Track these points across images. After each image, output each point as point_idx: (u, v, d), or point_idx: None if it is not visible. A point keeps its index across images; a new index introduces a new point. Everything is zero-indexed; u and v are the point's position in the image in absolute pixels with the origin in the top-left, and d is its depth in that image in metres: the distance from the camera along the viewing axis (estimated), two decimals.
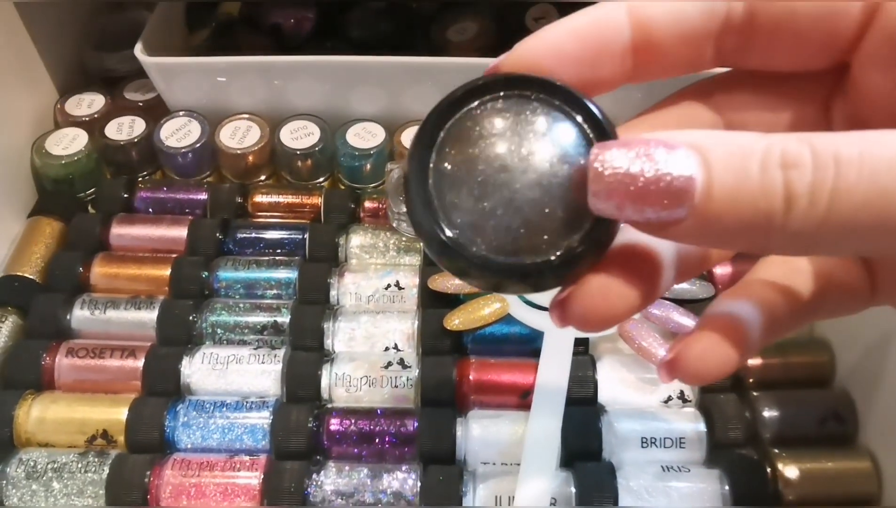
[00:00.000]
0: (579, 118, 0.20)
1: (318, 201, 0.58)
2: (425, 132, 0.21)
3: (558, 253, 0.20)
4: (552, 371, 0.46)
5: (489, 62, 0.62)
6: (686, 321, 0.47)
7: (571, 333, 0.47)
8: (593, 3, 0.22)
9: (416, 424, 0.45)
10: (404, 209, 0.45)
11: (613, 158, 0.18)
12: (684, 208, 0.18)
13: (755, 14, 0.22)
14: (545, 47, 0.21)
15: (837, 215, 0.17)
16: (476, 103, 0.21)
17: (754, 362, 0.48)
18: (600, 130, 0.20)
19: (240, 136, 0.60)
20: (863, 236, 0.18)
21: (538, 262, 0.20)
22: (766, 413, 0.46)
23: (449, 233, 0.20)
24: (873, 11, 0.21)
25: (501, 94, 0.21)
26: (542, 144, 0.20)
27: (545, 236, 0.20)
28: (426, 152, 0.20)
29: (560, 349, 0.47)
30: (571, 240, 0.20)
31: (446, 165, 0.20)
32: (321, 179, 0.61)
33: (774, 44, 0.22)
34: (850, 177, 0.17)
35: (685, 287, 0.50)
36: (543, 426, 0.44)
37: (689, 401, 0.47)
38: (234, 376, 0.47)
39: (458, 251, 0.20)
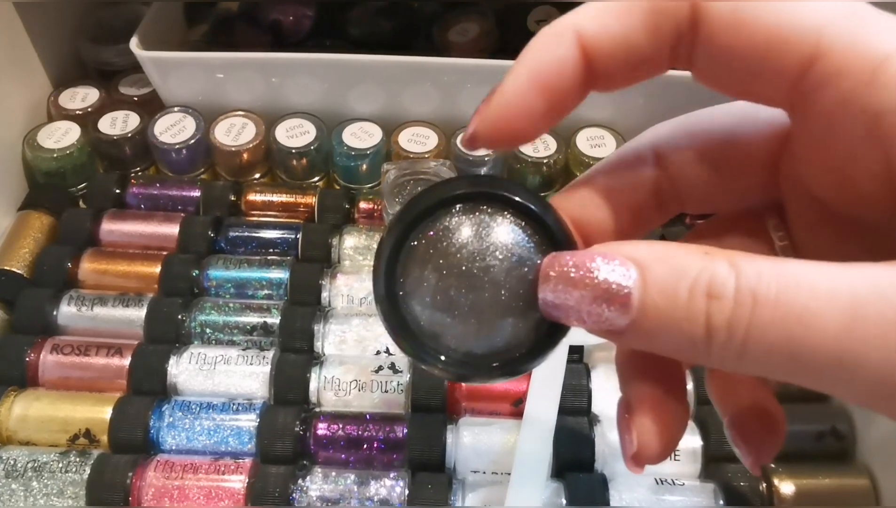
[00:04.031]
0: (537, 229, 0.21)
1: (312, 200, 0.57)
2: (387, 252, 0.22)
3: (516, 352, 0.22)
4: (546, 380, 0.45)
5: (489, 64, 0.61)
6: None
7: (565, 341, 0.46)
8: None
9: (405, 430, 0.44)
10: None
11: (561, 268, 0.20)
12: (623, 319, 0.19)
13: (698, 45, 0.21)
14: (513, 111, 0.21)
15: (753, 351, 0.18)
16: (443, 212, 0.22)
17: None
18: (556, 242, 0.21)
19: (235, 133, 0.59)
20: (779, 372, 0.18)
21: (501, 361, 0.22)
22: None
23: (420, 341, 0.22)
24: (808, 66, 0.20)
25: (460, 207, 0.22)
26: (499, 255, 0.21)
27: (506, 338, 0.22)
28: (392, 266, 0.22)
29: (554, 356, 0.46)
30: (528, 339, 0.22)
31: (414, 275, 0.22)
32: (316, 179, 0.60)
33: (717, 68, 0.21)
34: (765, 317, 0.17)
35: None
36: (535, 434, 0.43)
37: None
38: (222, 377, 0.47)
39: (426, 355, 0.22)
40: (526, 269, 0.21)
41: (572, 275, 0.19)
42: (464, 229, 0.21)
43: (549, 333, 0.22)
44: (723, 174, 0.24)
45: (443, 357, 0.22)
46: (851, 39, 0.19)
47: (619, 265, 0.19)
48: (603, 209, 0.24)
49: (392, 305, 0.22)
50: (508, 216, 0.21)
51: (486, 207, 0.21)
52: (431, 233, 0.21)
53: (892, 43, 0.18)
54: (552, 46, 0.21)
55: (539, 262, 0.21)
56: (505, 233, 0.21)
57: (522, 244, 0.21)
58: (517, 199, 0.21)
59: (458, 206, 0.21)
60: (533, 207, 0.21)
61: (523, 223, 0.21)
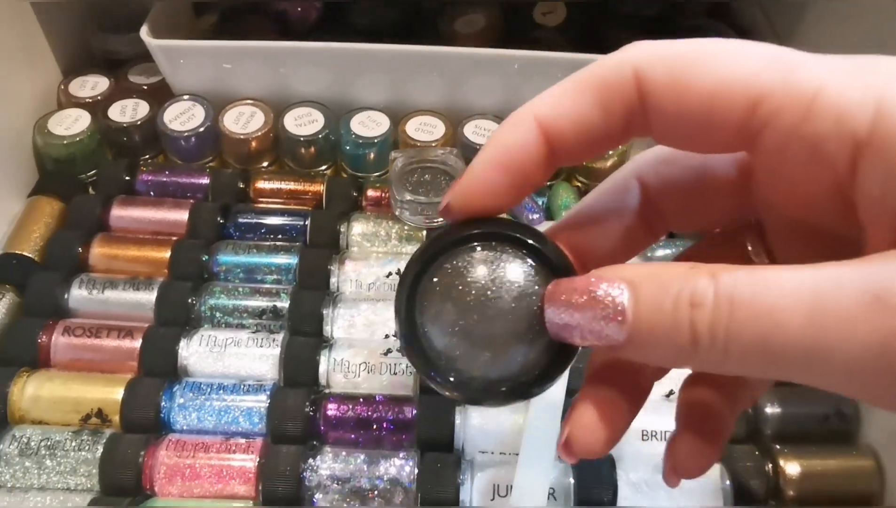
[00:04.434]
0: (541, 262, 0.24)
1: (320, 188, 0.58)
2: (405, 290, 0.24)
3: (527, 376, 0.23)
4: None
5: (495, 53, 0.61)
6: None
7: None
8: None
9: (414, 411, 0.45)
10: (408, 198, 0.46)
11: (563, 293, 0.22)
12: (621, 334, 0.21)
13: (649, 114, 0.23)
14: (479, 188, 0.24)
15: (734, 351, 0.19)
16: (455, 252, 0.24)
17: None
18: (556, 270, 0.23)
19: (244, 121, 0.59)
20: (759, 368, 0.19)
21: (514, 384, 0.24)
22: (769, 409, 0.46)
23: (436, 365, 0.24)
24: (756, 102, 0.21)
25: (470, 246, 0.24)
26: (508, 287, 0.23)
27: (518, 362, 0.23)
28: (411, 303, 0.24)
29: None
30: (539, 362, 0.23)
31: (431, 307, 0.24)
32: (324, 167, 0.61)
33: (671, 131, 0.23)
34: (741, 319, 0.19)
35: (671, 251, 0.52)
36: (543, 415, 0.43)
37: None
38: (232, 359, 0.47)
39: (444, 381, 0.24)
40: (532, 298, 0.23)
41: (574, 298, 0.21)
42: (473, 266, 0.24)
43: (558, 356, 0.23)
44: (699, 199, 0.26)
45: (460, 383, 0.24)
46: (784, 81, 0.21)
47: (613, 286, 0.21)
48: (596, 235, 0.26)
49: (413, 337, 0.24)
50: (512, 251, 0.24)
51: (493, 245, 0.24)
52: (444, 271, 0.24)
53: (820, 78, 0.20)
54: (513, 131, 0.24)
55: (543, 290, 0.23)
56: (510, 267, 0.23)
57: (527, 276, 0.23)
58: (519, 236, 0.24)
59: (467, 245, 0.24)
60: (533, 241, 0.24)
61: (526, 257, 0.24)
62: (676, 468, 0.28)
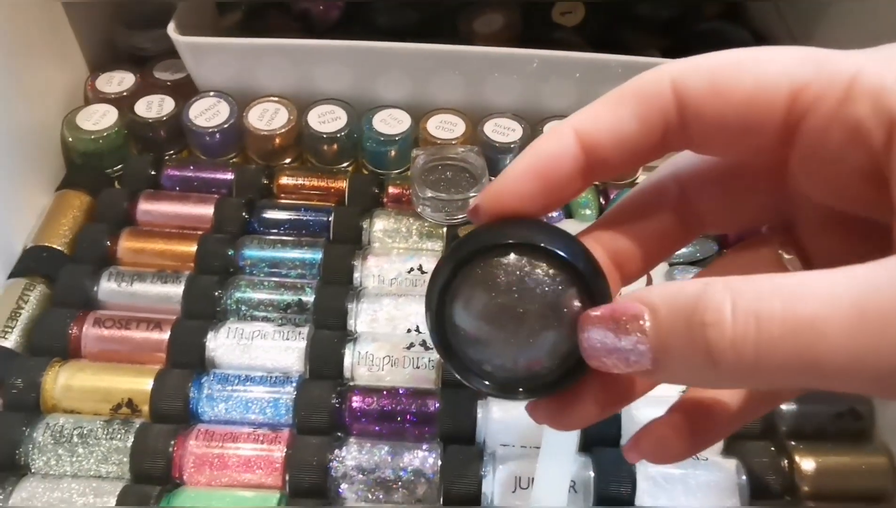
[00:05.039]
0: (571, 273, 0.23)
1: (342, 184, 0.59)
2: (438, 287, 0.24)
3: (548, 379, 0.24)
4: None
5: (515, 52, 0.62)
6: None
7: None
8: None
9: (437, 404, 0.46)
10: (429, 195, 0.47)
11: (593, 323, 0.22)
12: (647, 360, 0.21)
13: (688, 124, 0.23)
14: (510, 192, 0.24)
15: (767, 366, 0.19)
16: (490, 255, 0.24)
17: None
18: (588, 284, 0.23)
19: (268, 118, 0.60)
20: (798, 380, 0.19)
21: (530, 386, 0.25)
22: (784, 406, 0.47)
23: (463, 361, 0.25)
24: (798, 93, 0.22)
25: (504, 251, 0.24)
26: (538, 297, 0.23)
27: (539, 366, 0.24)
28: (442, 299, 0.24)
29: None
30: (561, 367, 0.24)
31: (460, 309, 0.24)
32: (346, 164, 0.62)
33: (711, 138, 0.24)
34: (773, 333, 0.18)
35: (686, 250, 0.52)
36: None
37: None
38: (259, 351, 0.48)
39: (468, 375, 0.25)
40: (560, 309, 0.23)
41: (606, 327, 0.22)
42: (505, 272, 0.24)
43: (578, 363, 0.24)
44: (734, 195, 0.27)
45: (483, 379, 0.25)
46: (818, 72, 0.22)
47: (636, 312, 0.21)
48: (633, 237, 0.26)
49: (442, 335, 0.25)
50: (546, 260, 0.23)
51: (528, 252, 0.24)
52: (476, 273, 0.24)
53: (856, 63, 0.21)
54: (550, 140, 0.24)
55: (573, 304, 0.23)
56: (542, 277, 0.23)
57: (557, 286, 0.23)
58: (555, 250, 0.23)
59: (502, 250, 0.24)
60: (567, 256, 0.23)
61: (559, 265, 0.23)
62: (640, 444, 0.28)
